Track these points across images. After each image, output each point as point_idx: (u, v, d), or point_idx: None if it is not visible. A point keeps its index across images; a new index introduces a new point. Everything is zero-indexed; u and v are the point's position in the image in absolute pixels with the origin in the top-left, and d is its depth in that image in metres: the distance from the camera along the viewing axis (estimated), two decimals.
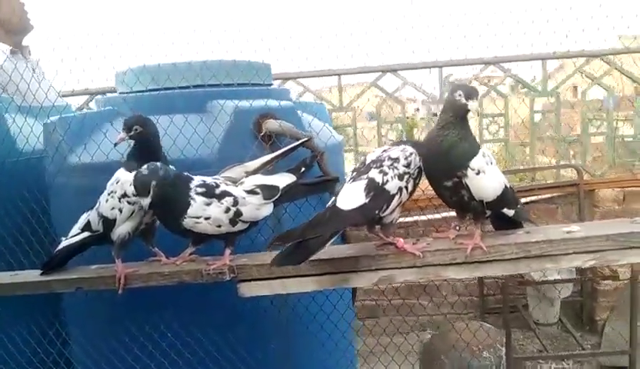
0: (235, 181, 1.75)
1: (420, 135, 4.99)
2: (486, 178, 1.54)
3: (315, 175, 2.04)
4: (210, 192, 1.66)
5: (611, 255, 1.55)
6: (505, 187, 1.61)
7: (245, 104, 2.26)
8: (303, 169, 1.82)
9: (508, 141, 4.48)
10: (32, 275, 1.83)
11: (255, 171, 1.83)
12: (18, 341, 2.19)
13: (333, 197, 1.60)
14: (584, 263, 1.57)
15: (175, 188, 1.65)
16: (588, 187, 4.09)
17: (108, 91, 4.23)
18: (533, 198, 4.27)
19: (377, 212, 1.54)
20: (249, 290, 1.70)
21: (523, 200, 4.25)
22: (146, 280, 1.74)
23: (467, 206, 1.60)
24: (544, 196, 4.22)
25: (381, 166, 1.58)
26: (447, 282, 4.41)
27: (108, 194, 1.73)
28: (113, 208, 1.71)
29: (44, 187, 2.25)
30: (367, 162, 1.63)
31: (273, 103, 2.31)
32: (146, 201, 1.59)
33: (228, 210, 1.67)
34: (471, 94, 1.52)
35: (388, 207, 1.56)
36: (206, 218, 1.65)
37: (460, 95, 1.52)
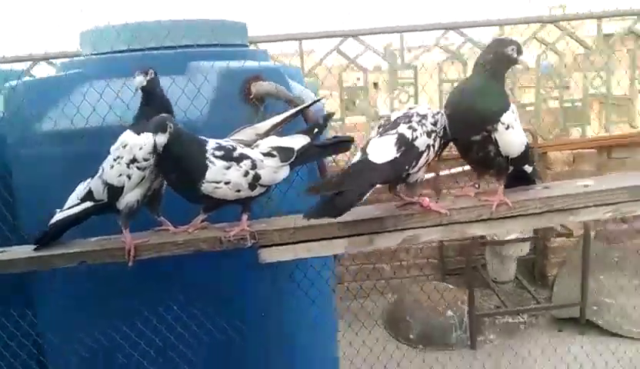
0: (248, 144, 1.67)
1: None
2: (514, 134, 1.56)
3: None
4: (228, 155, 1.57)
5: (627, 207, 1.61)
6: (527, 143, 1.63)
7: (234, 64, 2.16)
8: (316, 130, 1.75)
9: None
10: (24, 251, 1.68)
11: (267, 133, 1.75)
12: None
13: (359, 153, 1.56)
14: (603, 215, 1.63)
15: (192, 146, 1.55)
16: (541, 149, 4.27)
17: (55, 56, 3.95)
18: None
19: (407, 168, 1.52)
20: (270, 255, 1.64)
21: None
22: (159, 250, 1.63)
23: (491, 162, 1.61)
24: None
25: (410, 122, 1.55)
26: (404, 247, 4.51)
27: (114, 160, 1.59)
28: (120, 175, 1.58)
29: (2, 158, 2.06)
30: (392, 119, 1.60)
31: (261, 64, 2.22)
32: (162, 138, 1.48)
33: (247, 173, 1.59)
34: (521, 49, 1.53)
35: (416, 165, 1.54)
36: (226, 183, 1.56)
37: (513, 50, 1.52)
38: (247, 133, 1.73)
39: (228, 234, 1.62)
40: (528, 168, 1.68)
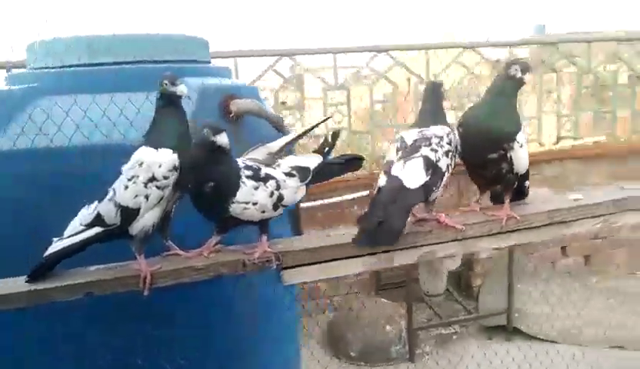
0: (266, 163, 1.64)
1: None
2: (524, 151, 1.67)
3: None
4: (256, 175, 1.54)
5: (613, 218, 1.78)
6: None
7: (212, 81, 2.12)
8: (327, 149, 1.76)
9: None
10: (18, 284, 1.50)
11: (279, 152, 1.72)
12: None
13: (383, 176, 1.58)
14: (592, 226, 1.78)
15: (231, 159, 1.53)
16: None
17: None
18: None
19: (434, 189, 1.58)
20: (293, 277, 1.61)
21: None
22: (177, 277, 1.53)
23: (502, 179, 1.70)
24: None
25: (430, 144, 1.60)
26: None
27: (129, 180, 1.48)
28: (137, 196, 1.48)
29: None
30: (409, 142, 1.64)
31: (238, 82, 2.20)
32: (224, 139, 1.45)
33: (272, 194, 1.56)
34: (526, 68, 1.63)
35: (440, 184, 1.60)
36: (254, 204, 1.52)
37: (516, 70, 1.62)
38: (260, 152, 1.70)
39: (251, 257, 1.56)
40: (527, 183, 1.80)
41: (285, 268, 1.61)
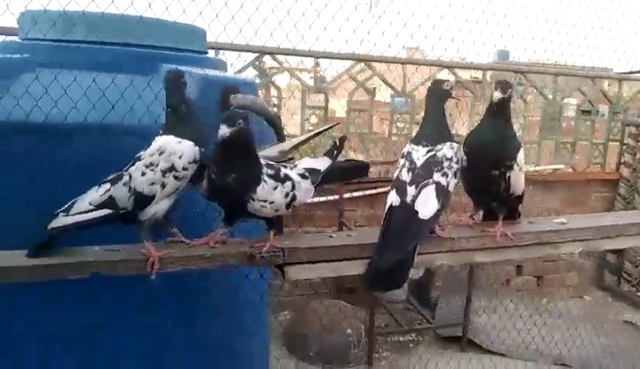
0: (283, 164, 1.68)
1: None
2: (521, 175, 1.76)
3: None
4: (277, 175, 1.58)
5: (595, 243, 1.90)
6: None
7: (212, 73, 2.14)
8: (335, 152, 1.81)
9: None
10: (20, 259, 1.48)
11: (289, 152, 1.77)
12: None
13: (393, 195, 1.65)
14: (575, 249, 1.90)
15: (256, 155, 1.56)
16: None
17: None
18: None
19: (444, 213, 1.65)
20: (297, 273, 1.65)
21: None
22: (185, 264, 1.55)
23: (498, 197, 1.79)
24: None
25: (442, 168, 1.67)
26: None
27: (147, 167, 1.49)
28: (153, 184, 1.49)
29: None
30: (418, 163, 1.69)
31: (239, 76, 2.21)
32: (225, 131, 1.45)
33: (287, 195, 1.60)
34: (498, 86, 1.72)
35: (449, 206, 1.68)
36: (271, 203, 1.55)
37: (495, 88, 1.72)
38: (272, 151, 1.74)
39: (259, 250, 1.59)
40: (519, 206, 1.90)
41: (289, 264, 1.64)
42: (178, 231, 1.66)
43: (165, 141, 1.51)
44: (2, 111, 1.76)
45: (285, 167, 1.64)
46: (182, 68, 1.97)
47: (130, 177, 1.49)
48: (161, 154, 1.49)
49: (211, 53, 4.02)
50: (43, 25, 2.05)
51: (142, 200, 1.49)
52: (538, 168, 5.09)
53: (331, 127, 1.94)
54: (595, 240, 1.90)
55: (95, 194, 1.52)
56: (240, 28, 3.61)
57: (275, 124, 2.15)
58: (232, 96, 2.08)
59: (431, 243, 1.74)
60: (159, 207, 1.52)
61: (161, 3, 2.76)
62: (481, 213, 1.95)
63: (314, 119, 4.64)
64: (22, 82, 1.84)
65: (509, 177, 1.73)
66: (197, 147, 1.51)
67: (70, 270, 1.48)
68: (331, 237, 1.74)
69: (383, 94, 5.29)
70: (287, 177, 1.60)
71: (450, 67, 4.96)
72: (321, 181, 1.75)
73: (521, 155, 1.75)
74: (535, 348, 4.37)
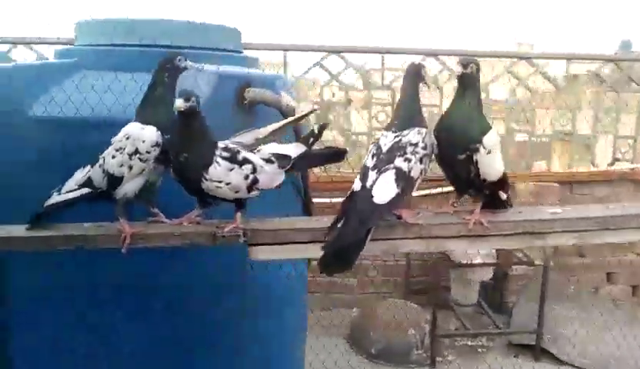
0: (248, 147, 1.76)
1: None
2: (494, 159, 1.69)
3: None
4: (233, 158, 1.67)
5: (591, 236, 1.76)
6: (504, 171, 1.77)
7: (229, 69, 2.25)
8: (312, 140, 1.86)
9: None
10: (20, 230, 1.72)
11: (266, 138, 1.85)
12: None
13: (357, 182, 1.67)
14: (567, 241, 1.77)
15: (206, 134, 1.65)
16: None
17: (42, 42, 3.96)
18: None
19: (405, 197, 1.64)
20: (259, 254, 1.73)
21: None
22: (155, 241, 1.70)
23: (471, 183, 1.73)
24: None
25: (405, 153, 1.65)
26: (372, 263, 4.64)
27: (116, 151, 1.66)
28: (121, 166, 1.65)
29: None
30: (384, 148, 1.69)
31: (255, 72, 2.32)
32: (180, 103, 1.56)
33: (247, 177, 1.68)
34: (461, 62, 1.67)
35: (412, 191, 1.66)
36: (227, 184, 1.65)
37: (470, 67, 1.67)
38: (247, 137, 1.83)
39: (221, 230, 1.70)
40: (503, 195, 1.81)
41: (252, 245, 1.73)
42: (159, 212, 1.81)
43: (131, 128, 1.67)
44: (56, 107, 1.99)
45: (248, 150, 1.72)
46: (196, 64, 2.15)
47: (104, 160, 1.68)
48: (127, 139, 1.65)
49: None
50: (92, 33, 2.30)
51: (113, 181, 1.67)
52: (632, 166, 4.65)
53: (308, 114, 1.98)
54: (591, 231, 1.76)
55: (80, 175, 1.73)
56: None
57: (289, 115, 2.24)
58: (247, 90, 2.22)
59: (396, 228, 1.73)
60: (129, 187, 1.68)
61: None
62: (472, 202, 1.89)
63: (382, 116, 4.66)
64: (73, 82, 2.08)
65: (476, 161, 1.67)
66: (159, 132, 1.65)
67: (59, 242, 1.69)
68: (301, 220, 1.80)
69: None
70: (246, 161, 1.68)
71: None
72: (297, 166, 1.82)
73: (491, 138, 1.67)
74: (628, 364, 4.00)
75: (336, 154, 1.88)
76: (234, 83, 2.19)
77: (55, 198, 1.72)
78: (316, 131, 1.88)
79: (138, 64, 2.08)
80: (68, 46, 2.74)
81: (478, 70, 1.68)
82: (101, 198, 1.71)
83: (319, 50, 4.30)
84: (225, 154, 1.65)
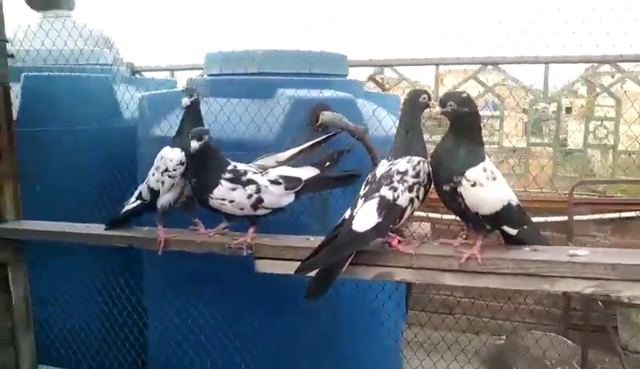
0: (265, 170, 1.92)
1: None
2: (483, 192, 1.55)
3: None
4: (237, 179, 1.85)
5: (614, 285, 1.48)
6: (509, 204, 1.60)
7: (302, 93, 2.39)
8: (328, 163, 1.94)
9: None
10: (99, 229, 2.16)
11: (286, 162, 1.98)
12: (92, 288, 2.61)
13: (348, 211, 1.70)
14: (583, 289, 1.52)
15: (214, 162, 1.86)
16: None
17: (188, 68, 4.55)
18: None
19: (390, 226, 1.63)
20: (263, 267, 1.87)
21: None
22: (182, 247, 1.98)
23: (464, 215, 1.62)
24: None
25: (391, 182, 1.63)
26: (526, 290, 4.26)
27: (155, 169, 1.98)
28: (158, 181, 1.97)
29: (133, 154, 2.60)
30: (377, 177, 1.69)
31: (330, 94, 2.42)
32: (195, 145, 1.78)
33: (250, 196, 1.85)
34: (441, 100, 1.60)
35: (401, 220, 1.64)
36: (230, 201, 1.84)
37: (447, 105, 1.60)
38: (269, 160, 1.99)
39: (231, 242, 1.89)
40: (509, 230, 1.63)
41: (258, 258, 1.88)
42: (199, 222, 2.09)
43: (164, 150, 1.97)
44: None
45: (256, 173, 1.88)
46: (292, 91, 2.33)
47: (148, 176, 2.01)
48: (161, 159, 1.96)
49: None
50: (220, 63, 2.69)
51: (153, 193, 1.99)
52: None
53: (327, 139, 2.04)
54: (612, 281, 1.48)
55: (139, 189, 2.09)
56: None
57: (360, 138, 2.34)
58: (321, 113, 2.37)
59: (388, 256, 1.70)
60: (164, 199, 1.99)
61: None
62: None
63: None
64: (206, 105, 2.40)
65: (460, 193, 1.55)
66: (183, 153, 1.91)
67: (117, 240, 2.11)
68: (308, 240, 1.88)
69: None
70: (250, 181, 1.84)
71: None
72: (309, 188, 1.92)
73: (476, 172, 1.54)
74: None
75: (350, 177, 1.92)
76: (308, 106, 2.33)
77: (126, 207, 2.12)
78: (335, 157, 1.95)
79: (250, 91, 2.40)
80: (196, 78, 3.20)
81: (463, 104, 1.57)
82: (149, 208, 2.04)
83: (472, 62, 4.13)
84: (229, 175, 1.84)
